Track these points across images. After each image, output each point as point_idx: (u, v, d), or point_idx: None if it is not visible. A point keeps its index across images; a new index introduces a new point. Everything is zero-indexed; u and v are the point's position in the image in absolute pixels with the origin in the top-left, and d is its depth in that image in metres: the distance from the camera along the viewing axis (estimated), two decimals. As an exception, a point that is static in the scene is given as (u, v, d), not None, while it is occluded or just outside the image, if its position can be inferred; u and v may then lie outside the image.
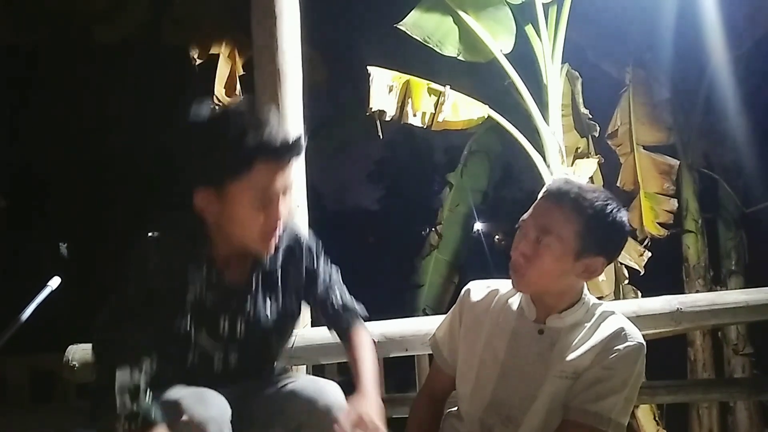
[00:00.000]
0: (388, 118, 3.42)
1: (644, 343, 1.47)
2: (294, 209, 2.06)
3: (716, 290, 5.18)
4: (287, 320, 1.62)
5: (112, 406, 1.31)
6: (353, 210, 15.64)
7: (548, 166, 4.02)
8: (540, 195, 1.49)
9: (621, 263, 4.71)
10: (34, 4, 4.62)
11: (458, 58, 3.98)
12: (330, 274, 1.65)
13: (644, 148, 5.28)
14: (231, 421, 1.42)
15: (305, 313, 1.91)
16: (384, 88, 3.39)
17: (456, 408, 1.63)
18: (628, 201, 5.16)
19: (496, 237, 11.60)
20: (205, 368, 1.52)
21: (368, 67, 3.36)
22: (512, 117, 4.10)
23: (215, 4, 4.46)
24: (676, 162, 5.27)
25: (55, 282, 1.68)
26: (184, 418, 1.34)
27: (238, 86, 4.31)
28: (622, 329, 1.46)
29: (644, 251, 4.98)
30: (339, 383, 1.56)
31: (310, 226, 2.17)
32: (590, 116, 4.87)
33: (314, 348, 1.91)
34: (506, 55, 3.99)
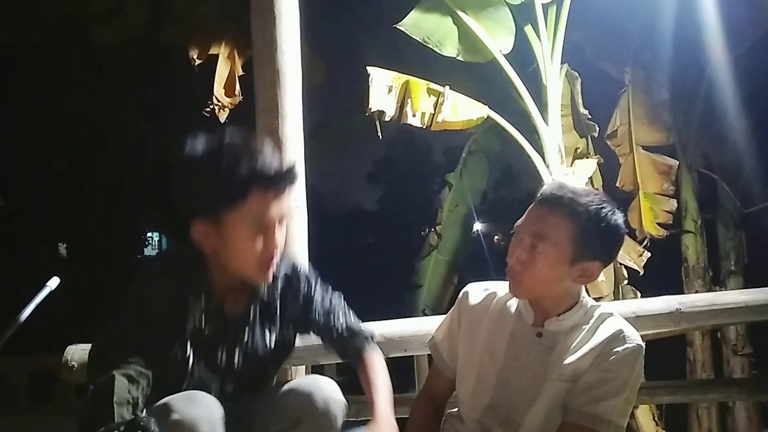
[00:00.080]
0: (387, 119, 3.42)
1: (643, 344, 1.46)
2: (294, 209, 2.06)
3: (715, 290, 5.19)
4: (284, 348, 1.63)
5: (109, 417, 1.28)
6: (353, 210, 15.64)
7: (547, 167, 4.03)
8: (534, 200, 1.49)
9: (620, 264, 4.71)
10: (34, 5, 4.61)
11: (458, 58, 3.99)
12: (330, 300, 1.65)
13: (643, 148, 5.28)
14: (229, 423, 1.41)
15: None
16: (383, 88, 3.39)
17: (457, 409, 1.63)
18: (628, 201, 5.16)
19: (496, 237, 11.61)
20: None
21: (368, 68, 3.36)
22: (512, 117, 4.10)
23: (215, 4, 4.46)
24: (675, 162, 5.28)
25: (54, 282, 1.68)
26: (175, 416, 1.33)
27: (238, 86, 4.30)
28: (620, 331, 1.46)
29: (643, 251, 4.98)
30: (338, 383, 1.55)
31: (309, 226, 2.17)
32: (589, 116, 4.88)
33: (314, 348, 1.90)
34: (506, 56, 4.00)
